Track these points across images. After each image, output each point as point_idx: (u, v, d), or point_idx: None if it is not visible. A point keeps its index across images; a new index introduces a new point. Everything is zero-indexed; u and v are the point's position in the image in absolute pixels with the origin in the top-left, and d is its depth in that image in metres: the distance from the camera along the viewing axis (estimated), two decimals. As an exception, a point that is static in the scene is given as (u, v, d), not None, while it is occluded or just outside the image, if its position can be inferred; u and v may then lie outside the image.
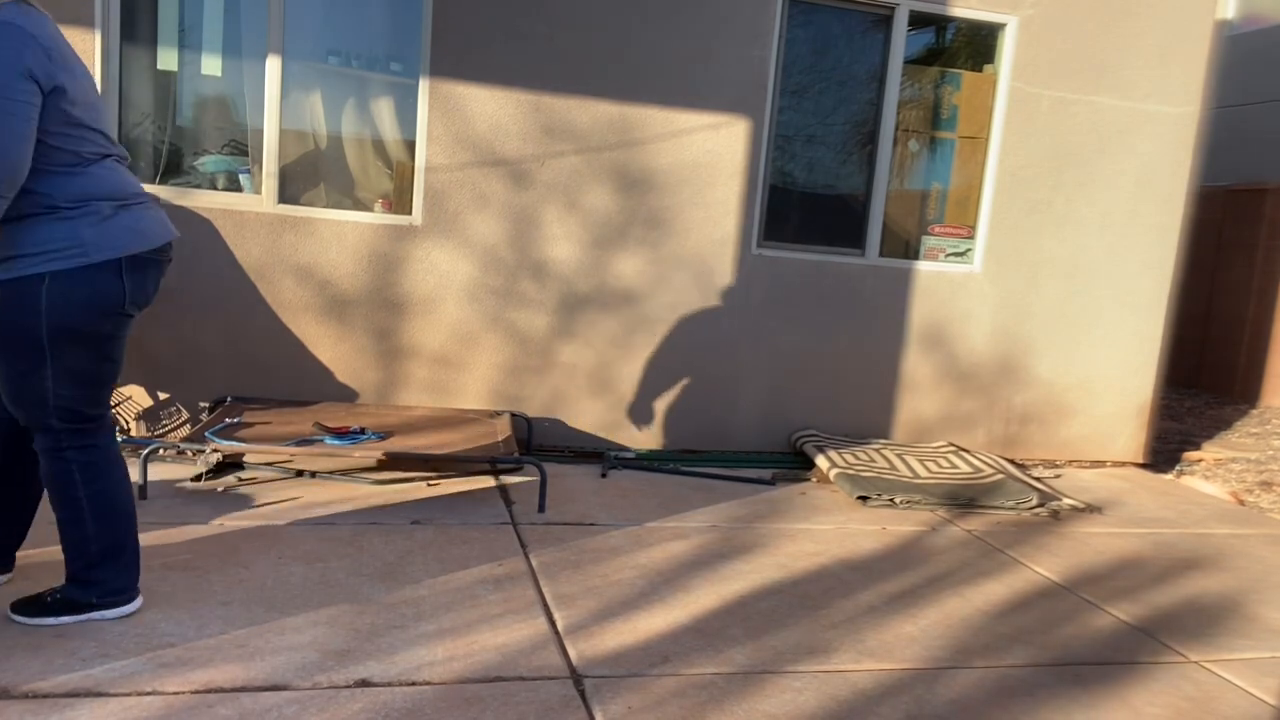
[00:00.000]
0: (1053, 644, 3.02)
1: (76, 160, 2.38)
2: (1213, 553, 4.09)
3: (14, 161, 2.23)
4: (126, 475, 2.59)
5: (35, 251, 2.33)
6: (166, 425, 4.49)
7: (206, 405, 4.47)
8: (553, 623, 2.86)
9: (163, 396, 4.48)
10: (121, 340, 2.52)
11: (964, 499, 4.46)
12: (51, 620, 2.55)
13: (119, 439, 4.19)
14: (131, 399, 4.40)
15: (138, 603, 2.65)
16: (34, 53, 2.25)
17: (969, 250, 5.37)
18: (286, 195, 4.52)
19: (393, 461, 4.26)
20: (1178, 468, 5.80)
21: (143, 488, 3.66)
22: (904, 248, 5.30)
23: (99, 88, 4.21)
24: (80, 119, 2.38)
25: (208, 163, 4.48)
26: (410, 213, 4.65)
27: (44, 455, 2.50)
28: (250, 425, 4.10)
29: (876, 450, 5.00)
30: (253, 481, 3.96)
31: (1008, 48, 5.20)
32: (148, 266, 2.50)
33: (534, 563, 3.32)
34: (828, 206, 5.19)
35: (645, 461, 4.84)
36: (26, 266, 2.33)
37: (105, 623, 2.60)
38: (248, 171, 4.50)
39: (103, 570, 2.56)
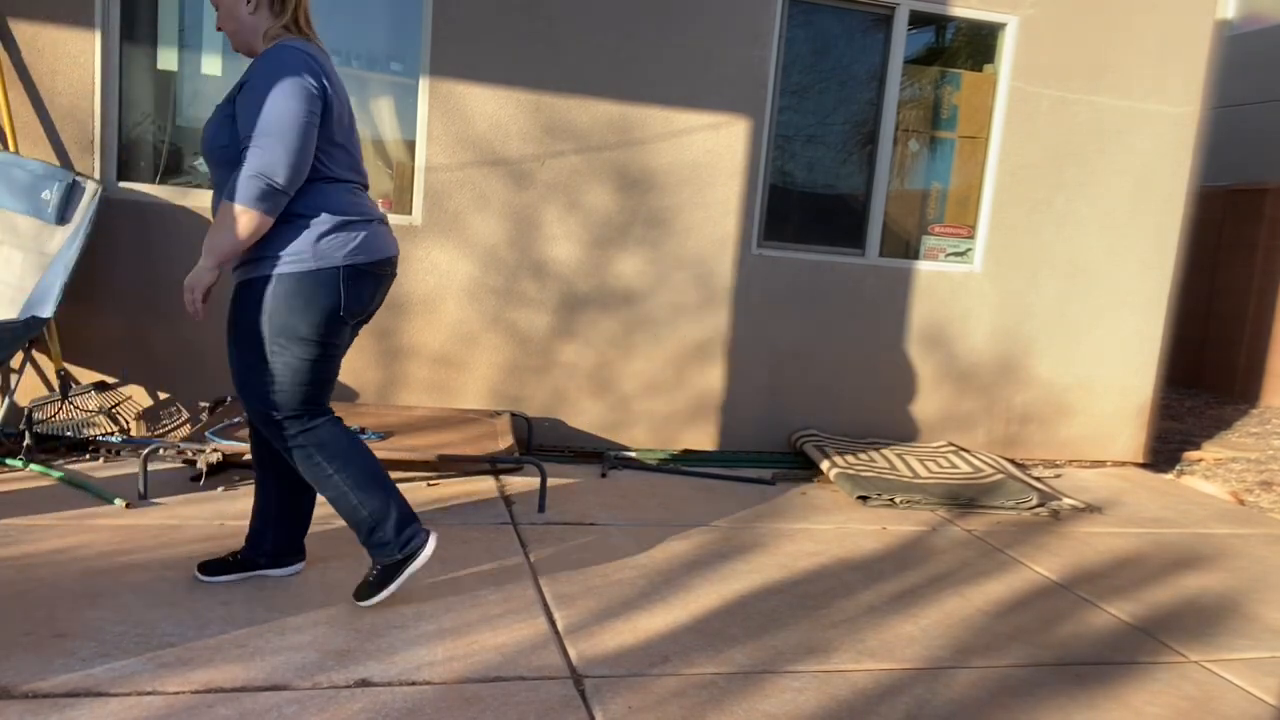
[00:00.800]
0: (1052, 644, 3.02)
1: (326, 177, 2.66)
2: (1213, 552, 4.09)
3: (300, 167, 2.53)
4: (358, 439, 2.78)
5: (270, 255, 2.60)
6: (166, 425, 4.49)
7: (206, 405, 4.48)
8: (553, 622, 2.86)
9: (163, 396, 4.48)
10: (338, 345, 2.72)
11: (964, 499, 4.46)
12: (384, 593, 2.78)
13: (120, 439, 4.20)
14: (131, 399, 4.40)
15: (433, 539, 2.84)
16: (318, 75, 2.57)
17: (969, 250, 5.37)
18: (286, 195, 4.52)
19: (393, 461, 4.26)
20: (1178, 468, 5.80)
21: (143, 488, 3.66)
22: (904, 248, 5.30)
23: (98, 88, 4.22)
24: (340, 140, 2.68)
25: (208, 163, 4.48)
26: (410, 212, 4.65)
27: (283, 450, 2.73)
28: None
29: (876, 450, 5.00)
30: (253, 481, 3.96)
31: (1008, 48, 5.20)
32: (366, 279, 2.70)
33: (534, 562, 3.32)
34: (828, 206, 5.20)
35: (645, 461, 4.84)
36: (263, 268, 2.61)
37: (105, 623, 2.60)
38: (248, 171, 4.50)
39: (386, 528, 2.76)
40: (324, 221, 2.62)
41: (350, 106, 2.75)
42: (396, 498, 2.79)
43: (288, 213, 2.59)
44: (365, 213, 2.72)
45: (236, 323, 2.66)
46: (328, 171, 2.65)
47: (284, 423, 2.68)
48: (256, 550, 2.95)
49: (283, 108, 2.49)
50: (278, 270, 2.59)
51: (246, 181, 2.49)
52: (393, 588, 2.78)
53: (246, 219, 2.52)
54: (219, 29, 2.71)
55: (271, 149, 2.48)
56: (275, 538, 2.95)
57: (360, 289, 2.68)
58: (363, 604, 2.80)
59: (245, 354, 2.65)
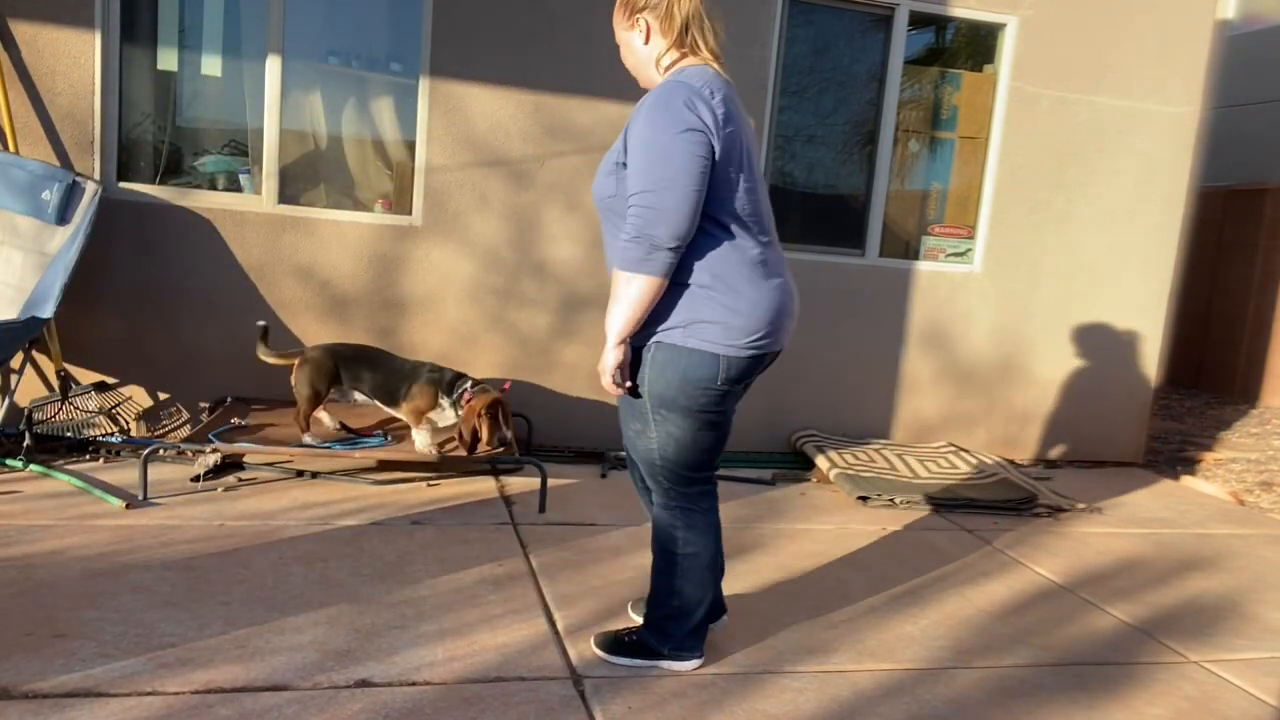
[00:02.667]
0: (1053, 644, 3.02)
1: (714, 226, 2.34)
2: (1213, 553, 4.09)
3: (685, 220, 2.22)
4: (719, 545, 2.61)
5: (656, 322, 2.38)
6: (166, 425, 4.49)
7: (206, 405, 4.48)
8: (553, 623, 2.86)
9: (163, 396, 4.48)
10: (721, 412, 2.47)
11: (964, 499, 4.46)
12: (624, 660, 2.62)
13: (120, 439, 4.20)
14: (131, 399, 4.40)
15: (696, 664, 2.63)
16: (707, 108, 2.22)
17: (969, 250, 5.37)
18: (286, 195, 4.52)
19: (393, 462, 4.26)
20: (1177, 468, 5.80)
21: (143, 488, 3.66)
22: (904, 248, 5.30)
23: (98, 88, 4.22)
24: (735, 180, 2.32)
25: (208, 163, 4.48)
26: (410, 213, 4.65)
27: (656, 504, 2.58)
28: (250, 426, 4.10)
29: (876, 450, 5.00)
30: (253, 482, 3.96)
31: (1008, 48, 5.20)
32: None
33: (534, 563, 3.32)
34: (828, 206, 5.19)
35: (645, 461, 4.83)
36: (644, 337, 2.40)
37: (105, 624, 2.60)
38: (248, 172, 4.50)
39: (678, 625, 2.58)
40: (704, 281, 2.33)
41: (753, 138, 2.41)
42: (709, 610, 2.61)
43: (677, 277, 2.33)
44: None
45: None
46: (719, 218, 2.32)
47: (669, 491, 2.54)
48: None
49: (663, 154, 2.19)
50: (658, 339, 2.38)
51: (627, 245, 2.26)
52: (637, 663, 2.61)
53: (634, 286, 2.28)
54: (626, 62, 2.48)
55: (651, 204, 2.21)
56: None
57: (740, 359, 2.39)
58: (598, 649, 2.65)
59: (631, 421, 2.53)
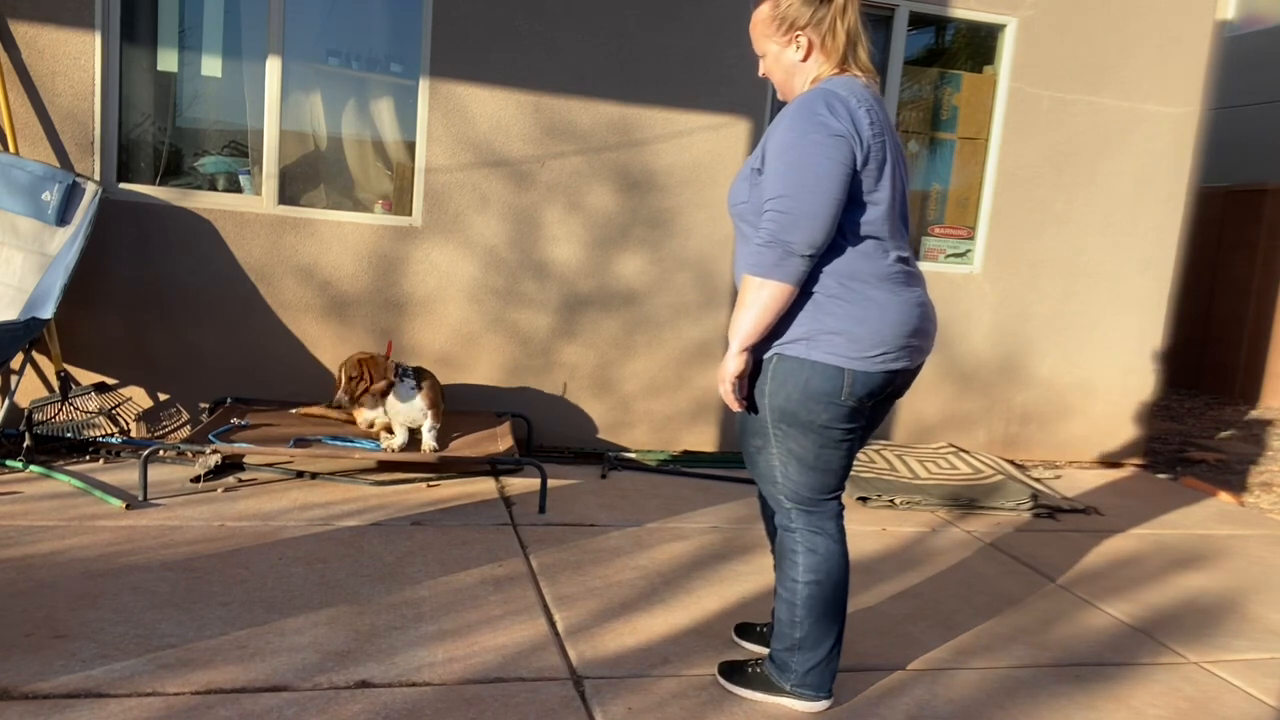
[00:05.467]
0: (1052, 644, 3.02)
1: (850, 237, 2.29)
2: (1212, 553, 4.09)
3: (820, 227, 2.17)
4: (846, 575, 2.44)
5: (779, 332, 2.30)
6: (167, 426, 4.49)
7: (206, 406, 4.48)
8: (553, 624, 2.86)
9: (163, 397, 4.48)
10: (848, 430, 2.33)
11: (964, 500, 4.46)
12: (745, 691, 2.50)
13: (120, 440, 4.20)
14: (131, 400, 4.40)
15: (827, 704, 2.48)
16: (850, 118, 2.18)
17: (969, 251, 5.37)
18: (287, 196, 4.53)
19: (393, 462, 4.26)
20: (1177, 468, 5.80)
21: (143, 489, 3.66)
22: (904, 248, 5.29)
23: (98, 88, 4.22)
24: (877, 192, 2.26)
25: (208, 164, 4.48)
26: (410, 213, 4.65)
27: (779, 526, 2.46)
28: (250, 426, 4.10)
29: (876, 451, 5.00)
30: (253, 482, 3.96)
31: (1007, 48, 5.20)
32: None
33: (534, 564, 3.32)
34: (828, 207, 5.19)
35: (645, 462, 4.84)
36: (765, 347, 2.32)
37: (105, 624, 2.60)
38: (248, 172, 4.51)
39: (801, 658, 2.43)
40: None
41: (901, 152, 2.34)
42: (837, 646, 2.46)
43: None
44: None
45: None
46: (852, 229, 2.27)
47: (791, 512, 2.43)
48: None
49: (802, 159, 2.15)
50: (777, 351, 2.30)
51: (758, 250, 2.20)
52: (758, 697, 2.49)
53: (764, 292, 2.21)
54: (763, 75, 2.42)
55: (787, 209, 2.15)
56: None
57: (870, 373, 2.29)
58: (721, 678, 2.56)
59: (752, 437, 2.43)
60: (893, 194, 2.26)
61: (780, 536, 2.46)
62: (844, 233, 2.23)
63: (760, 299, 2.21)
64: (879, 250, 2.26)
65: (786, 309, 2.24)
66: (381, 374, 3.97)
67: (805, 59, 2.31)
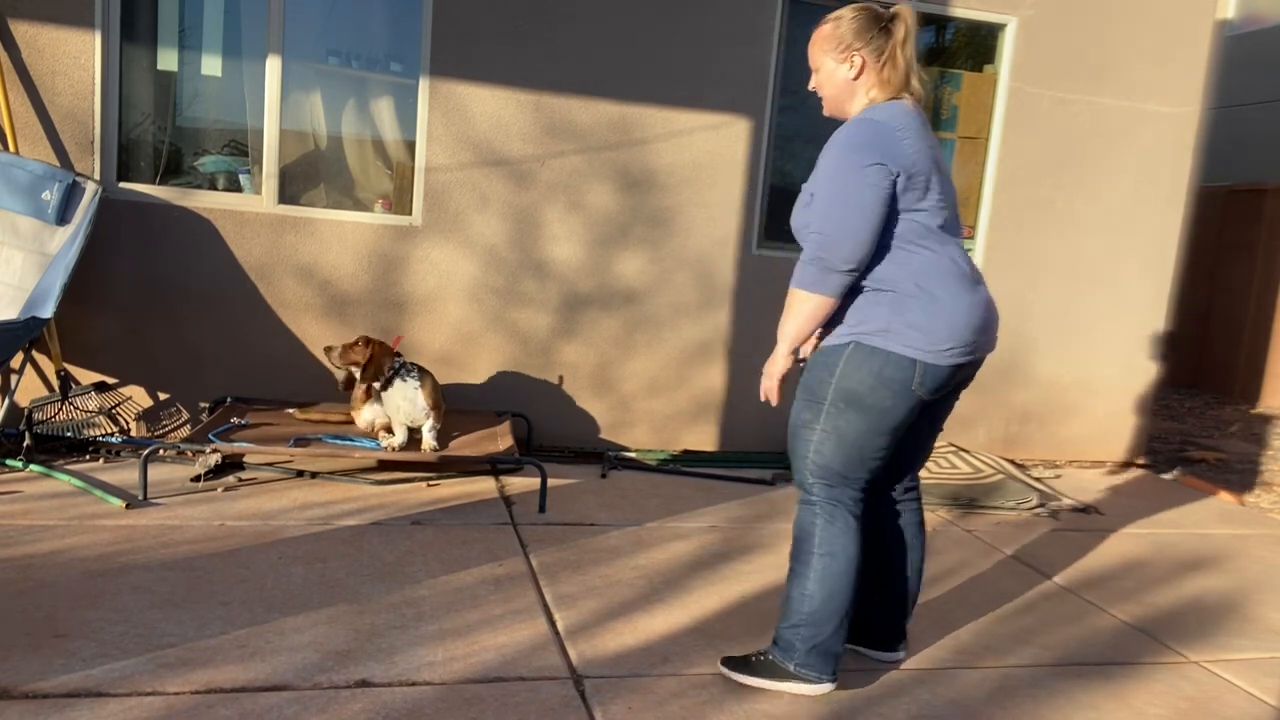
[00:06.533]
0: (1053, 644, 3.01)
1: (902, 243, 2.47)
2: (1213, 553, 4.09)
3: (859, 246, 2.37)
4: (859, 555, 2.52)
5: (859, 324, 2.47)
6: (166, 425, 4.49)
7: (206, 406, 4.48)
8: (553, 623, 2.86)
9: (163, 397, 4.48)
10: (901, 423, 2.48)
11: (964, 499, 4.46)
12: (749, 679, 2.56)
13: (120, 439, 4.20)
14: (131, 399, 4.40)
15: (830, 686, 2.53)
16: (892, 145, 2.37)
17: (969, 250, 5.37)
18: (287, 195, 4.52)
19: (393, 462, 4.26)
20: (1178, 468, 5.80)
21: (143, 489, 3.66)
22: (904, 248, 5.29)
23: (98, 88, 4.22)
24: (920, 204, 2.44)
25: (208, 163, 4.48)
26: (410, 213, 4.65)
27: (799, 503, 2.57)
28: (250, 426, 4.10)
29: (877, 450, 5.00)
30: (253, 482, 3.96)
31: (1008, 48, 5.20)
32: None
33: (534, 563, 3.32)
34: (828, 206, 5.18)
35: (645, 462, 4.84)
36: (842, 336, 2.50)
37: (105, 624, 2.60)
38: (248, 172, 4.50)
39: (806, 634, 2.49)
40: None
41: (941, 165, 2.49)
42: (842, 628, 2.51)
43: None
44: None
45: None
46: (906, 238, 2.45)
47: (814, 486, 2.56)
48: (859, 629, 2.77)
49: (843, 187, 2.36)
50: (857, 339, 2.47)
51: (805, 265, 2.42)
52: (764, 684, 2.54)
53: (809, 304, 2.43)
54: (812, 89, 2.56)
55: (829, 232, 2.36)
56: (875, 617, 2.76)
57: (939, 367, 2.44)
58: (724, 669, 2.61)
59: (802, 410, 2.56)
60: (943, 201, 2.46)
61: (799, 512, 2.56)
62: (910, 240, 2.43)
63: (805, 310, 2.44)
64: (947, 251, 2.47)
65: (829, 317, 2.47)
66: (381, 358, 3.98)
67: (857, 78, 2.48)
